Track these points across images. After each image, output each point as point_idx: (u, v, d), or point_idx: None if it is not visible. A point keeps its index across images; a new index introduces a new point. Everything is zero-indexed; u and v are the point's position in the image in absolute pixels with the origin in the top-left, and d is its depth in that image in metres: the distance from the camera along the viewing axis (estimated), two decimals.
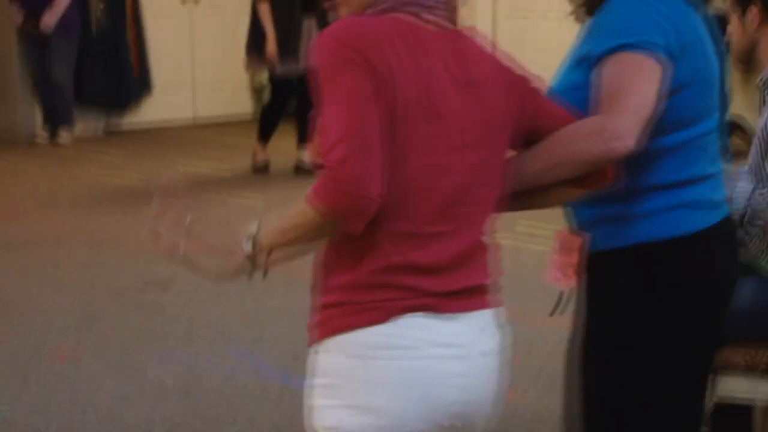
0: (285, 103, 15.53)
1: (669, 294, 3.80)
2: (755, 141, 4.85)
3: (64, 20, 13.82)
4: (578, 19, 3.89)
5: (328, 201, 3.03)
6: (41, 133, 14.30)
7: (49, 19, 13.65)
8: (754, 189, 4.63)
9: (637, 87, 3.50)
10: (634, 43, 3.54)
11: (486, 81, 3.43)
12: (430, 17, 3.36)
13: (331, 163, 3.03)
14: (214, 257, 3.58)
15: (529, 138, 3.53)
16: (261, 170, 15.46)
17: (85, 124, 14.57)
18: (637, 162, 3.65)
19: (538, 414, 6.37)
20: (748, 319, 4.76)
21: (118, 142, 14.33)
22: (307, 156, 13.88)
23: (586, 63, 3.68)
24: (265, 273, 3.28)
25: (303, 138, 14.78)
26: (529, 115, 3.50)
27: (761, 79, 4.88)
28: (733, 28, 4.92)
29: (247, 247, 3.18)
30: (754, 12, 4.79)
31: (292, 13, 13.52)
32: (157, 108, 15.27)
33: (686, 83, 3.67)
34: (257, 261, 3.16)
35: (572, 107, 3.62)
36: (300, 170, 15.05)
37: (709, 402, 4.78)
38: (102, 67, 14.38)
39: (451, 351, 3.34)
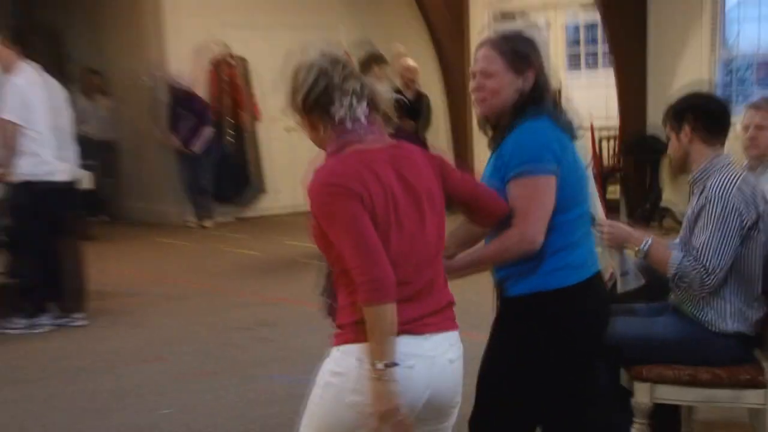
0: None
1: (558, 328, 3.92)
2: (685, 222, 4.94)
3: (207, 144, 13.83)
4: (490, 147, 4.02)
5: (371, 301, 3.30)
6: (192, 219, 14.28)
7: (198, 145, 13.65)
8: (683, 258, 4.67)
9: (539, 200, 3.76)
10: (532, 170, 3.75)
11: (425, 174, 3.60)
12: (371, 139, 3.50)
13: (362, 280, 3.33)
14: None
15: (448, 193, 3.67)
16: None
17: (222, 214, 14.52)
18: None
19: None
20: (674, 346, 4.85)
21: (244, 226, 14.30)
22: None
23: (499, 174, 3.86)
24: None
25: None
26: (444, 179, 3.65)
27: (690, 179, 4.89)
28: (671, 143, 4.92)
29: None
30: (686, 131, 4.79)
31: None
32: (270, 202, 15.16)
33: (563, 183, 3.84)
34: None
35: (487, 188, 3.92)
36: None
37: (650, 402, 4.77)
38: (232, 175, 14.46)
39: (424, 362, 3.45)
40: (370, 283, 3.25)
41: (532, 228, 3.76)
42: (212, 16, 14.28)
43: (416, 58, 15.22)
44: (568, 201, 3.89)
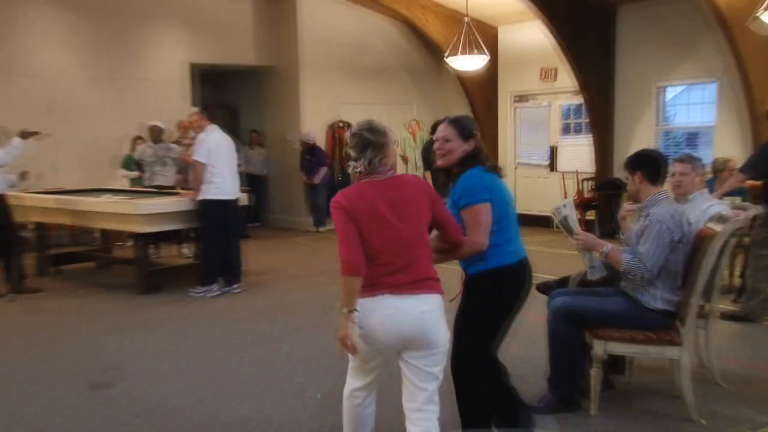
0: None
1: (491, 292, 4.20)
2: (634, 234, 4.89)
3: (323, 178, 13.77)
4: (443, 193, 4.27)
5: (345, 273, 3.65)
6: (312, 226, 14.19)
7: (317, 178, 13.63)
8: (630, 259, 4.75)
9: (480, 219, 4.04)
10: (475, 201, 4.06)
11: (409, 195, 3.82)
12: (376, 175, 3.76)
13: (342, 260, 3.68)
14: None
15: (434, 218, 3.92)
16: None
17: (330, 224, 14.36)
18: None
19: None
20: (622, 317, 4.90)
21: None
22: None
23: (455, 205, 4.12)
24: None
25: None
26: (433, 207, 3.85)
27: (640, 206, 4.90)
28: (629, 183, 4.96)
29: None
30: (639, 176, 4.84)
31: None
32: None
33: (495, 205, 4.08)
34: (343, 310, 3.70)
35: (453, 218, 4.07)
36: None
37: (604, 354, 4.81)
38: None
39: (399, 311, 3.69)
40: (345, 262, 3.64)
41: (479, 238, 4.04)
42: (330, 97, 14.31)
43: None
44: (500, 215, 4.12)
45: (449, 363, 4.10)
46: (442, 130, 4.22)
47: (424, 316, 3.74)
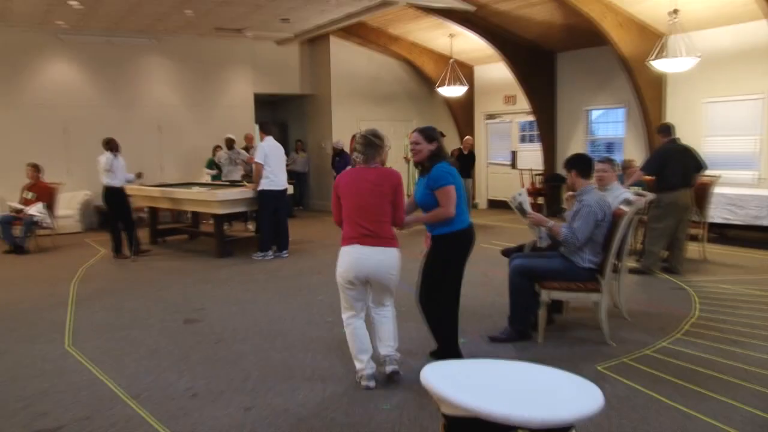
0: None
1: (454, 247, 4.34)
2: (571, 214, 4.93)
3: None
4: (421, 175, 4.43)
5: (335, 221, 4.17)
6: None
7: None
8: (566, 231, 4.82)
9: (451, 196, 4.19)
10: (445, 183, 4.20)
11: (374, 180, 4.04)
12: (363, 167, 4.12)
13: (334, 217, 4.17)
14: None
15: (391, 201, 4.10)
16: None
17: None
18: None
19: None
20: (561, 272, 4.95)
21: None
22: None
23: (429, 188, 4.24)
24: None
25: None
26: (393, 194, 4.06)
27: (575, 195, 4.92)
28: (568, 178, 4.97)
29: None
30: (573, 172, 4.87)
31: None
32: None
33: (457, 189, 4.23)
34: None
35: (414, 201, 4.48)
36: None
37: (549, 299, 4.84)
38: None
39: (362, 256, 4.02)
40: (334, 218, 4.21)
41: (450, 209, 4.19)
42: (353, 115, 14.27)
43: (448, 135, 15.22)
44: (458, 195, 4.25)
45: (419, 300, 4.48)
46: (414, 137, 4.33)
47: (376, 260, 4.02)
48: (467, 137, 12.60)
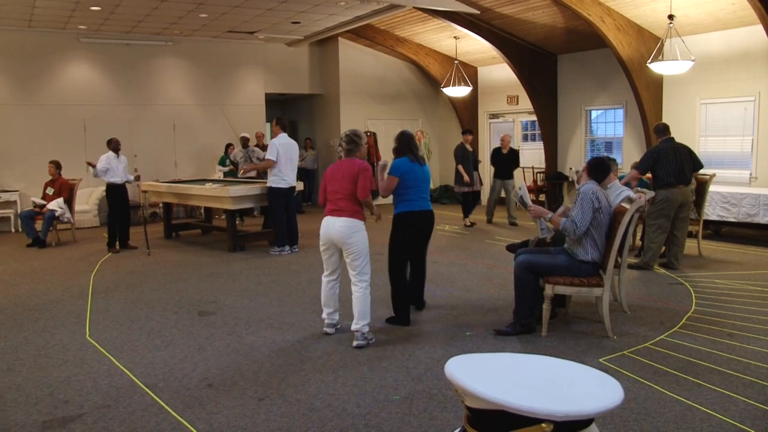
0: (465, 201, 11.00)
1: (394, 226, 5.40)
2: (571, 206, 4.92)
3: None
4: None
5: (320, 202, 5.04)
6: None
7: None
8: (566, 221, 4.79)
9: (388, 184, 5.34)
10: (390, 174, 5.31)
11: (346, 168, 4.87)
12: (346, 159, 4.95)
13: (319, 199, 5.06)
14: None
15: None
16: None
17: None
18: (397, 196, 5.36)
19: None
20: (564, 268, 4.93)
21: None
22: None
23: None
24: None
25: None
26: (356, 178, 4.80)
27: (578, 190, 4.89)
28: (581, 177, 4.99)
29: None
30: (582, 173, 4.89)
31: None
32: (380, 198, 14.93)
33: (406, 178, 5.25)
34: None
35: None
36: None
37: (552, 293, 4.82)
38: None
39: (329, 224, 4.87)
40: (319, 199, 5.07)
41: (383, 192, 5.38)
42: (361, 114, 14.29)
43: (452, 134, 15.24)
44: (410, 185, 5.28)
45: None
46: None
47: (338, 227, 4.80)
48: (505, 134, 11.38)
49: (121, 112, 12.40)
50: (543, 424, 1.04)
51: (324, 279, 5.10)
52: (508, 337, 4.92)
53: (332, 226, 4.81)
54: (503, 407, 1.03)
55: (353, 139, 4.93)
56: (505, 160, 11.00)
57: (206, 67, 13.34)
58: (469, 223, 10.92)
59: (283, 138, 8.70)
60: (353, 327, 4.82)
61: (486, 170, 13.29)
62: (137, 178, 9.44)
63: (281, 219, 8.74)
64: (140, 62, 12.64)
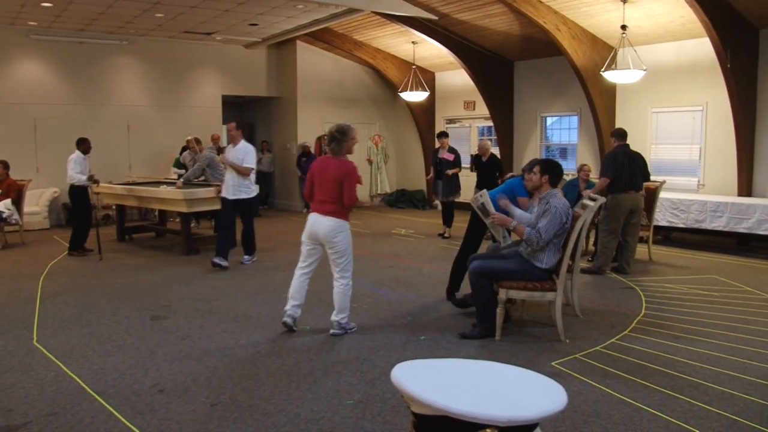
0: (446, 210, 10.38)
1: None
2: (535, 215, 4.96)
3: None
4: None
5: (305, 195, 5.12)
6: (304, 210, 13.97)
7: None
8: (530, 231, 4.83)
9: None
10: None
11: (333, 170, 4.88)
12: (329, 156, 4.98)
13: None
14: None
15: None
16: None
17: None
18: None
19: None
20: (519, 272, 4.97)
21: None
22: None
23: None
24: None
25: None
26: (342, 179, 4.84)
27: (540, 198, 4.93)
28: (534, 178, 4.96)
29: None
30: (546, 177, 4.87)
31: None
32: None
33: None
34: None
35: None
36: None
37: (506, 297, 4.85)
38: None
39: (315, 221, 4.94)
40: (305, 192, 5.11)
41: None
42: (318, 118, 14.23)
43: (409, 139, 15.32)
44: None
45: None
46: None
47: (325, 226, 4.90)
48: (483, 140, 10.43)
49: (74, 112, 12.10)
50: (487, 430, 1.05)
51: (297, 271, 5.20)
52: (469, 340, 4.97)
53: (318, 224, 4.93)
54: (447, 413, 1.03)
55: (335, 136, 4.92)
56: (486, 168, 9.94)
57: (162, 68, 13.13)
58: (447, 234, 10.26)
59: (243, 143, 7.98)
60: (333, 318, 5.11)
61: (470, 180, 13.38)
62: (90, 178, 9.16)
63: (251, 225, 8.14)
64: (94, 61, 12.37)
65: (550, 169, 4.96)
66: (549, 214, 4.78)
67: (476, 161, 10.09)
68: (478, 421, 1.03)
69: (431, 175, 10.66)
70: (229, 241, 8.05)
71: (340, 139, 4.91)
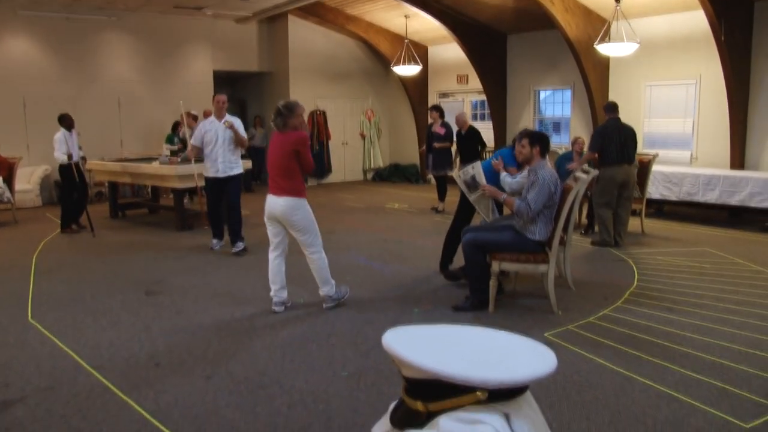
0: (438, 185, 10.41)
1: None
2: (525, 187, 4.94)
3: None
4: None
5: None
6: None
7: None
8: (520, 203, 4.83)
9: None
10: None
11: (281, 144, 4.85)
12: (280, 132, 4.91)
13: None
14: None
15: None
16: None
17: (312, 182, 14.14)
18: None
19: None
20: (512, 244, 4.97)
21: (322, 188, 13.90)
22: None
23: None
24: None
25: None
26: (295, 149, 4.79)
27: (529, 170, 4.94)
28: (524, 149, 4.93)
29: None
30: (536, 148, 4.85)
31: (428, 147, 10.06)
32: (332, 177, 14.79)
33: None
34: None
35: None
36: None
37: (498, 269, 4.87)
38: (318, 165, 13.99)
39: (271, 202, 4.89)
40: None
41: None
42: (311, 92, 14.18)
43: (402, 113, 15.27)
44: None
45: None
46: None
47: (281, 206, 4.83)
48: (459, 113, 10.20)
49: (64, 89, 12.00)
50: (478, 392, 1.06)
51: (270, 254, 5.14)
52: (462, 312, 5.02)
53: (275, 205, 4.87)
54: (438, 376, 1.05)
55: (281, 111, 4.87)
56: (466, 141, 9.66)
57: (152, 43, 13.00)
58: (441, 208, 10.19)
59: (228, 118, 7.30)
60: (321, 293, 5.12)
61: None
62: (70, 157, 9.07)
63: (240, 208, 7.53)
64: (83, 37, 12.23)
65: (540, 140, 4.96)
66: (537, 185, 4.80)
67: (456, 135, 9.89)
68: (468, 384, 1.04)
69: (423, 147, 10.67)
70: (222, 219, 7.53)
71: (285, 114, 4.84)
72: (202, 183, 7.85)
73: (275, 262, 5.09)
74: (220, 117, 7.20)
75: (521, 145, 4.97)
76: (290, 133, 4.85)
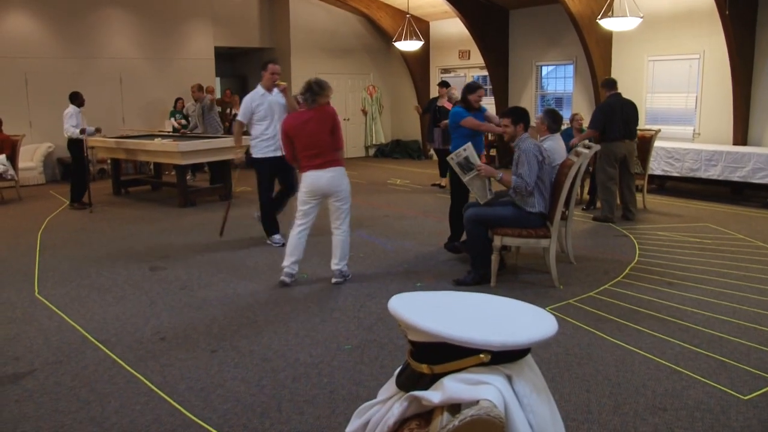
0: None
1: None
2: (513, 161, 4.97)
3: None
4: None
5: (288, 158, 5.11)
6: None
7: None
8: (516, 179, 4.86)
9: None
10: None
11: (322, 118, 4.87)
12: (310, 107, 4.90)
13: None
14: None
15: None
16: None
17: None
18: None
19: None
20: (512, 219, 4.98)
21: None
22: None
23: None
24: None
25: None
26: (332, 126, 4.90)
27: (514, 146, 4.93)
28: (510, 129, 4.95)
29: None
30: (520, 126, 4.87)
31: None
32: None
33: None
34: None
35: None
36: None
37: (500, 244, 4.90)
38: None
39: (319, 176, 4.91)
40: (287, 155, 5.13)
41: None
42: (312, 69, 13.94)
43: (404, 89, 15.20)
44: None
45: None
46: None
47: (328, 178, 4.92)
48: (447, 87, 10.24)
49: (65, 65, 11.95)
50: (481, 354, 1.10)
51: (295, 229, 5.11)
52: (464, 286, 5.06)
53: (321, 179, 4.92)
54: (443, 339, 1.08)
55: (312, 88, 4.87)
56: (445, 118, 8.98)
57: (154, 20, 12.91)
58: (443, 184, 10.06)
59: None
60: (335, 266, 5.16)
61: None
62: (98, 130, 9.07)
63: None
64: (84, 14, 12.16)
65: (521, 116, 5.00)
66: (523, 158, 4.84)
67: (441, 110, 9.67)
68: (473, 346, 1.08)
69: (419, 107, 10.90)
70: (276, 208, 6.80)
71: (317, 91, 4.86)
72: (241, 164, 7.05)
73: (299, 235, 5.10)
74: (270, 89, 6.52)
75: (505, 126, 5.02)
76: (326, 107, 4.93)
